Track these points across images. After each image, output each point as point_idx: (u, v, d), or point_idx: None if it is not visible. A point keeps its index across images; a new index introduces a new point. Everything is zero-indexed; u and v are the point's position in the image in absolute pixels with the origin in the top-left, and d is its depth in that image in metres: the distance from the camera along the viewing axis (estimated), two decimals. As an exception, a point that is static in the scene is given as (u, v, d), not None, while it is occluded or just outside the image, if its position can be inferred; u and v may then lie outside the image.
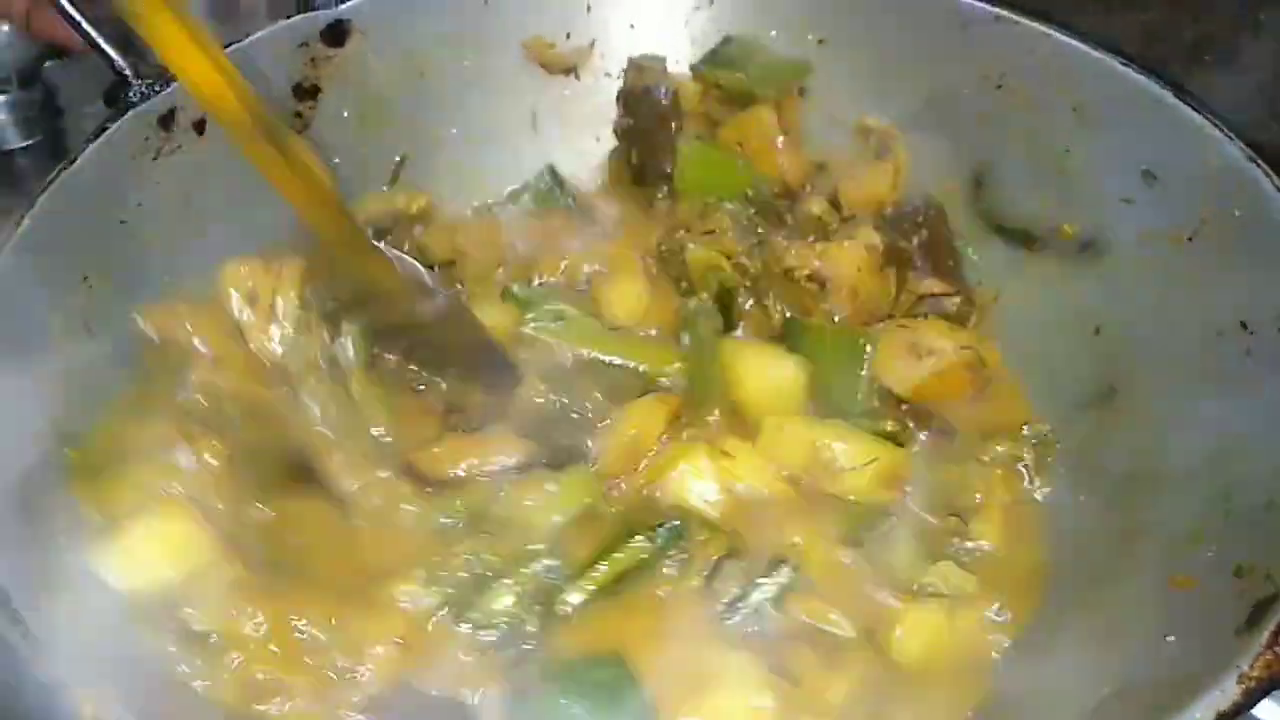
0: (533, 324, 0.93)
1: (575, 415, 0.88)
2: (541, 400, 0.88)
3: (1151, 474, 0.82)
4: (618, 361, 0.92)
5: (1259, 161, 0.82)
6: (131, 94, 0.88)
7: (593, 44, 1.11)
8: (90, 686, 0.57)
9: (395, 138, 1.06)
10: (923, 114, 1.03)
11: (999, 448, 0.89)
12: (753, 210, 1.00)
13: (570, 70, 1.12)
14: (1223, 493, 0.74)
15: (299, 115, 0.99)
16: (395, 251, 0.86)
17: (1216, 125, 0.85)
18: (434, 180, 1.09)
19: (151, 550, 0.71)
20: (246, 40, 0.94)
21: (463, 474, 0.83)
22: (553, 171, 1.11)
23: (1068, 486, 0.89)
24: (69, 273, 0.81)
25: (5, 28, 1.22)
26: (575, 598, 0.77)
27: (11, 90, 1.28)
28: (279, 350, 0.85)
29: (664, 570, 0.80)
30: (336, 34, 1.00)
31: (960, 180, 1.03)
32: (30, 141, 1.30)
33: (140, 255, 0.87)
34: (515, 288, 0.97)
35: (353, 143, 1.03)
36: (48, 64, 1.29)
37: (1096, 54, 0.92)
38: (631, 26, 1.11)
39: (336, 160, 1.01)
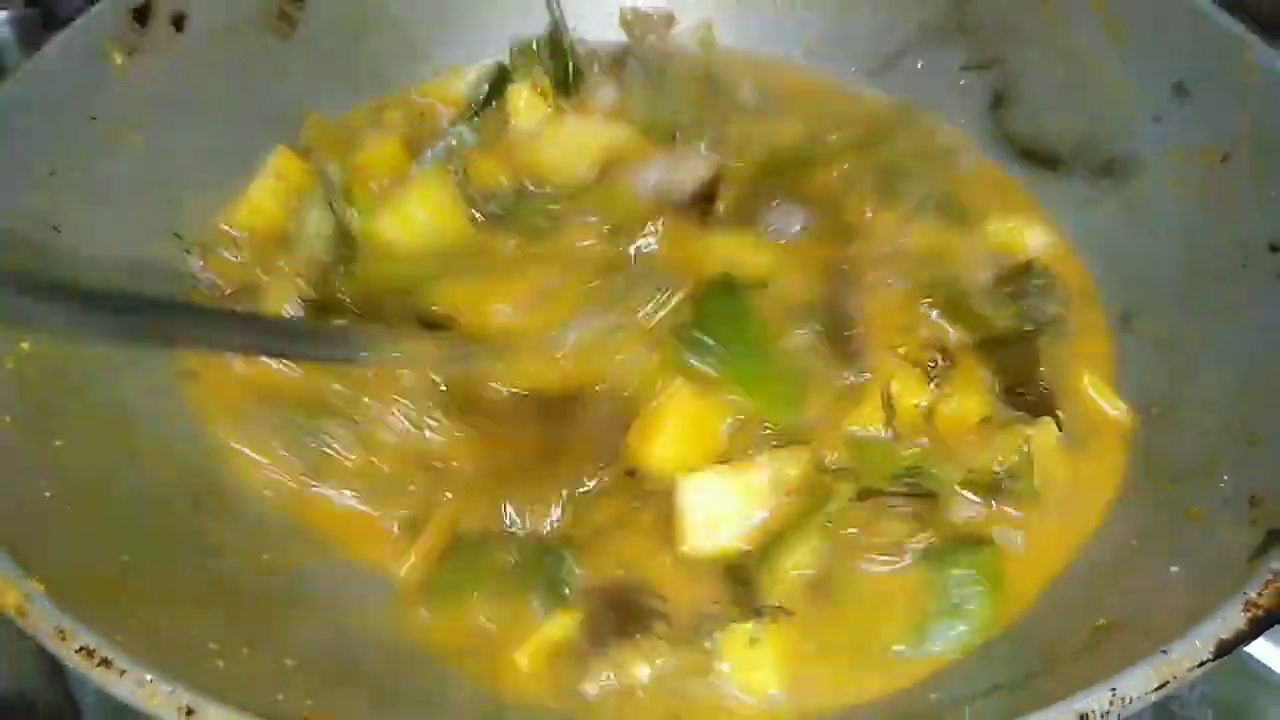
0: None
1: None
2: None
3: (1170, 401, 0.76)
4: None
5: (1302, 73, 0.75)
6: (108, -15, 0.84)
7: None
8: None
9: (384, 43, 1.02)
10: (943, 22, 0.97)
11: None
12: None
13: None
14: (1243, 419, 0.69)
15: (284, 15, 0.95)
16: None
17: (1257, 34, 0.78)
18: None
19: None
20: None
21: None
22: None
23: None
24: (33, 165, 0.78)
25: (7, -58, 1.20)
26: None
27: (13, 7, 1.25)
28: None
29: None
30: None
31: (979, 97, 0.97)
32: (31, 58, 1.27)
33: (111, 154, 0.83)
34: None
35: (339, 47, 0.99)
36: (49, -20, 1.26)
37: (1129, -41, 0.86)
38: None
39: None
